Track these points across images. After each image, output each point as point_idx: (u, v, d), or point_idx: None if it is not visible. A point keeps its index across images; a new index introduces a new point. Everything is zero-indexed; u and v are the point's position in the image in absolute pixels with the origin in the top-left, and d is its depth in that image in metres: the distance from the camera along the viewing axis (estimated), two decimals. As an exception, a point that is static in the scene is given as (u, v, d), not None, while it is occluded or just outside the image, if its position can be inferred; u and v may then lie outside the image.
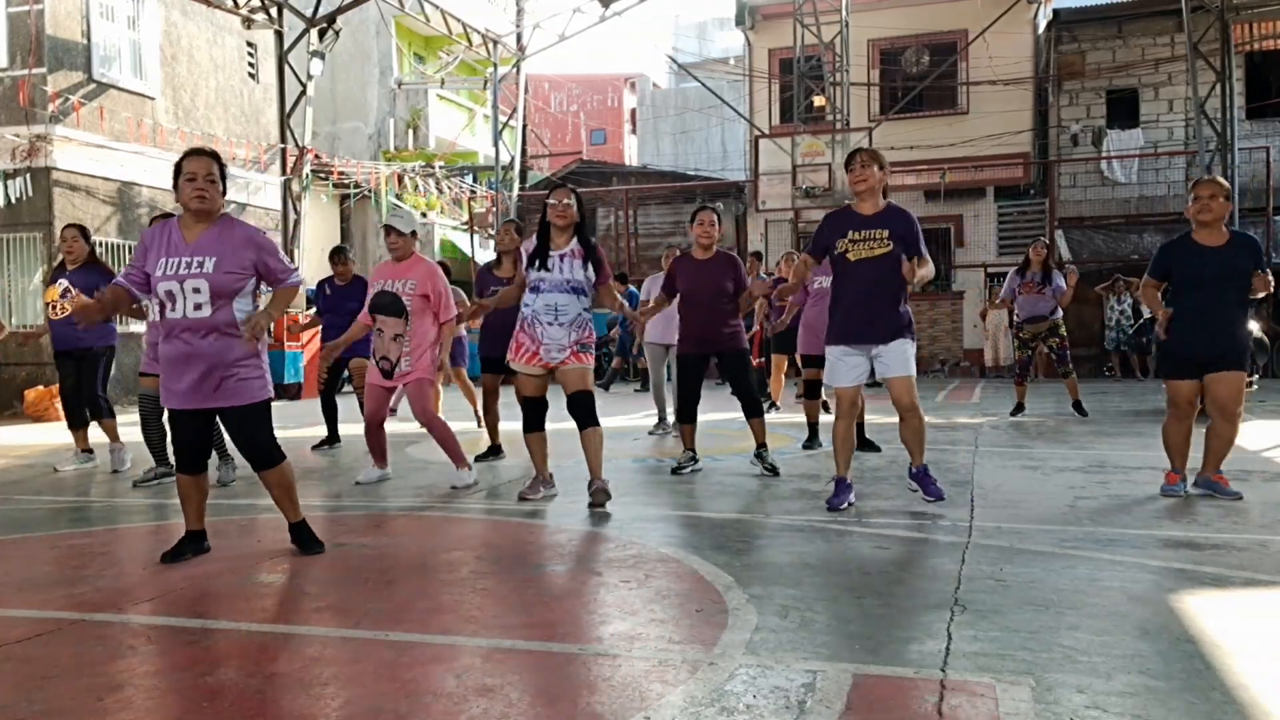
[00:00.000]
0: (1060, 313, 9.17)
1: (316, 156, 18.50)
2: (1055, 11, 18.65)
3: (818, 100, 19.18)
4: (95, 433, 7.08)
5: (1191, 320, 4.84)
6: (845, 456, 4.82)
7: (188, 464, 3.96)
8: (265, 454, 3.95)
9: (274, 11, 15.87)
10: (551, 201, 5.05)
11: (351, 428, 8.40)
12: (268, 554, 4.07)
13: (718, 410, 9.26)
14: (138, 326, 7.53)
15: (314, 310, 9.39)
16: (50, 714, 2.38)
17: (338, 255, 7.89)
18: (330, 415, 7.85)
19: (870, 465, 6.31)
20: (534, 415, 5.12)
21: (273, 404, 4.05)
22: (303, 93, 16.40)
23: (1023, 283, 9.23)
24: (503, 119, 21.32)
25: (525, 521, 4.70)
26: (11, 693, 2.52)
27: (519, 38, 21.39)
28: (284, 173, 16.07)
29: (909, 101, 18.68)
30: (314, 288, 8.43)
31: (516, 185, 21.24)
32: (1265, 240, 15.86)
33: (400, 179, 20.80)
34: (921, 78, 18.82)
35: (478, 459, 6.89)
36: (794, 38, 18.45)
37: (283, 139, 16.23)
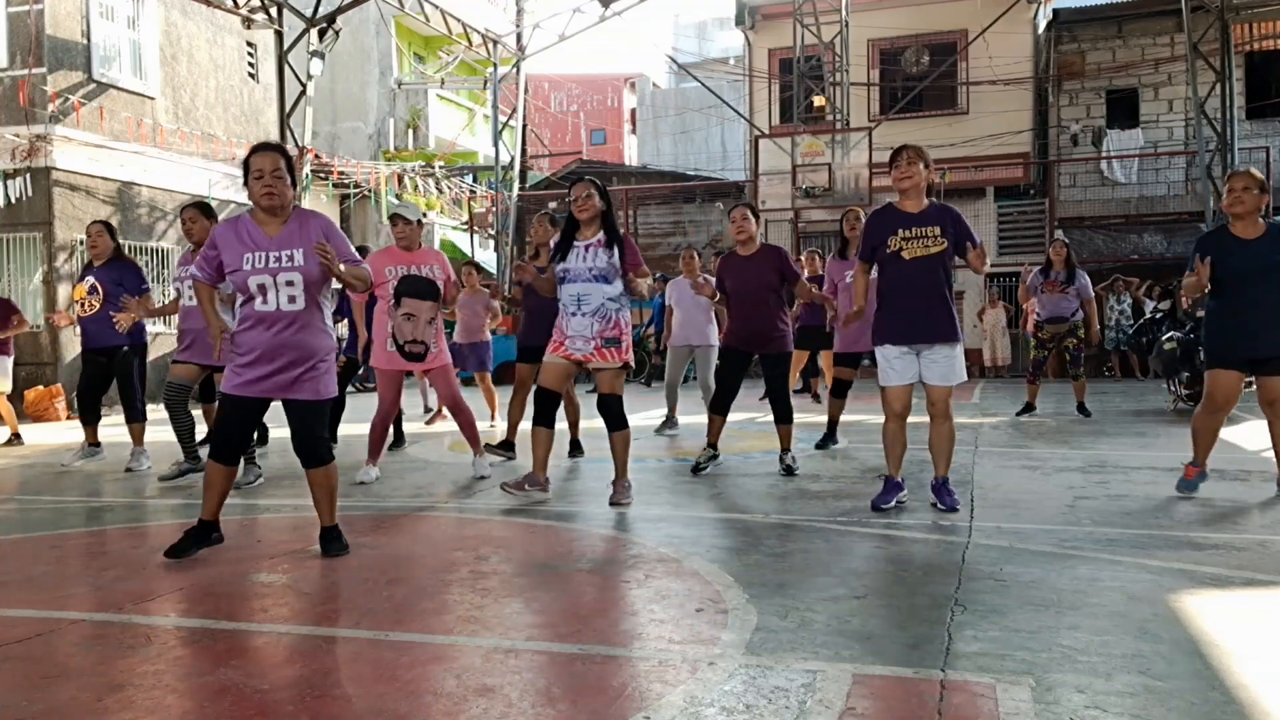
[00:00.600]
0: (1081, 314, 9.10)
1: (316, 156, 18.51)
2: (1055, 11, 18.66)
3: (817, 100, 19.18)
4: (105, 432, 7.08)
5: (1232, 316, 4.74)
6: (896, 456, 4.76)
7: (224, 454, 3.94)
8: (320, 452, 3.96)
9: (274, 11, 15.87)
10: (574, 197, 5.05)
11: (349, 428, 8.40)
12: (268, 554, 4.07)
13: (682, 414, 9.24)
14: (156, 324, 7.53)
15: None
16: (50, 714, 2.38)
17: (361, 253, 7.88)
18: (334, 413, 7.84)
19: (871, 465, 6.31)
20: (545, 408, 5.05)
21: (272, 404, 4.05)
22: (302, 92, 16.40)
23: (1046, 282, 9.17)
24: (502, 119, 21.32)
25: (526, 522, 4.70)
26: (11, 693, 2.52)
27: (519, 38, 21.38)
28: (284, 172, 16.05)
29: (909, 101, 18.68)
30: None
31: (516, 185, 21.24)
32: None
33: (400, 179, 20.81)
34: (921, 78, 18.83)
35: (488, 448, 6.86)
36: (794, 38, 18.45)
37: (282, 139, 16.22)
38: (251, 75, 16.18)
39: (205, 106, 15.09)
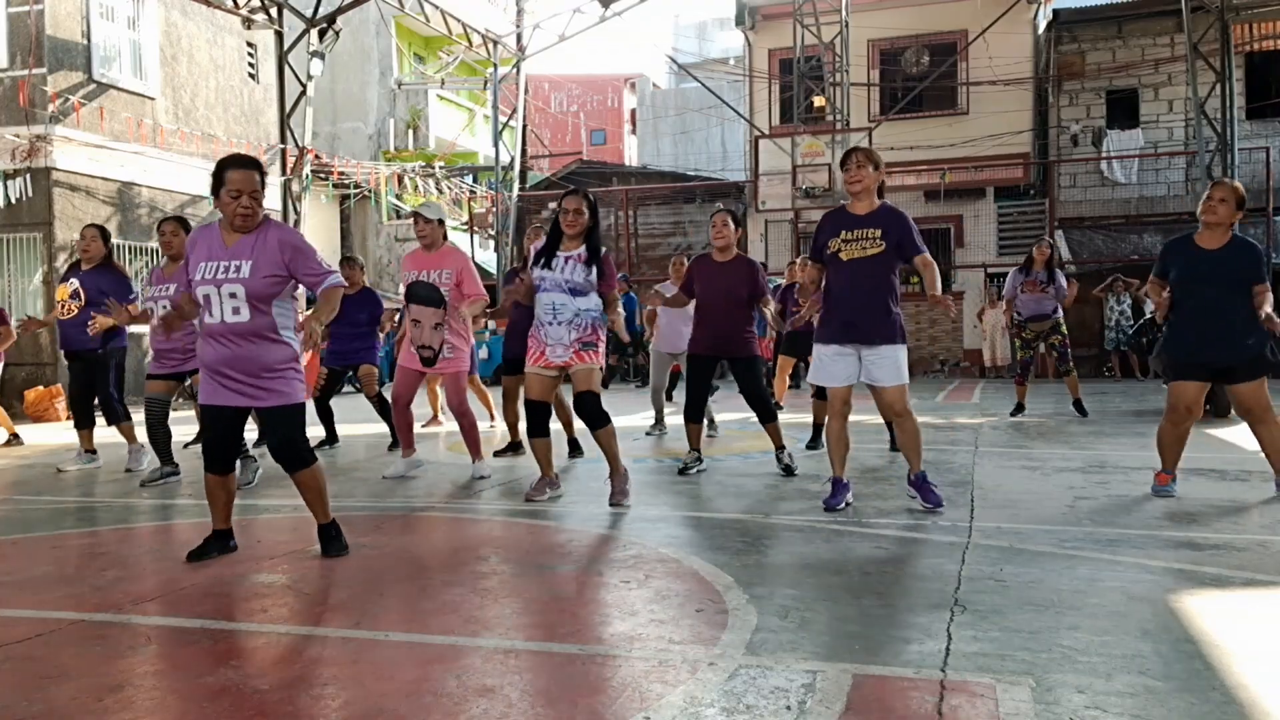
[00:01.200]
0: (1061, 312, 9.19)
1: (316, 157, 18.51)
2: (1055, 12, 18.65)
3: (818, 100, 19.18)
4: (101, 434, 7.08)
5: (1190, 323, 4.82)
6: (841, 456, 4.82)
7: (217, 464, 3.95)
8: (299, 455, 3.94)
9: (274, 12, 15.88)
10: (564, 209, 5.07)
11: (348, 428, 8.40)
12: (268, 554, 4.07)
13: (719, 412, 9.25)
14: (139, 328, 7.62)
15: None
16: (50, 714, 2.38)
17: (347, 264, 7.90)
18: (326, 418, 7.86)
19: (870, 465, 6.31)
20: (538, 420, 5.13)
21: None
22: (303, 93, 16.41)
23: (1025, 281, 9.24)
24: (502, 119, 21.32)
25: (526, 522, 4.70)
26: (11, 693, 2.52)
27: (519, 38, 21.39)
28: (284, 173, 16.07)
29: (909, 102, 18.68)
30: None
31: (516, 185, 21.24)
32: (1265, 240, 15.88)
33: (400, 179, 20.81)
34: (921, 78, 18.83)
35: (496, 454, 6.96)
36: (794, 38, 18.45)
37: (283, 139, 16.23)
38: (252, 75, 16.19)
39: (205, 107, 15.09)
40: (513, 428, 7.12)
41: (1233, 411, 8.73)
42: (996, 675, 2.48)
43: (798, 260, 10.45)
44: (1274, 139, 17.14)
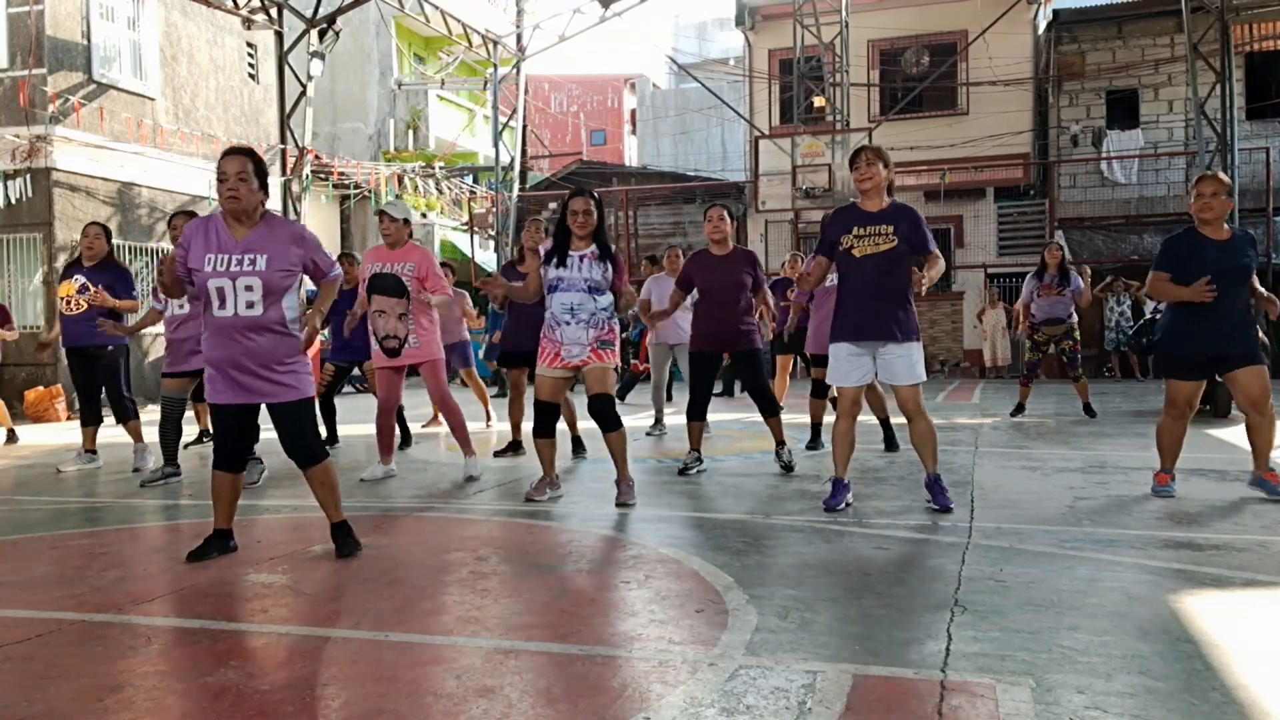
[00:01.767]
0: (1076, 316, 9.16)
1: (316, 157, 18.51)
2: (1055, 12, 18.66)
3: (818, 101, 19.18)
4: (101, 435, 7.08)
5: (1196, 316, 4.80)
6: (844, 456, 4.81)
7: (227, 461, 3.95)
8: (310, 451, 3.94)
9: (274, 12, 15.88)
10: (572, 210, 5.05)
11: (349, 429, 8.40)
12: (268, 554, 4.07)
13: (719, 411, 9.25)
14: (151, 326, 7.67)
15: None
16: (50, 714, 2.38)
17: (346, 260, 7.90)
18: (329, 416, 7.86)
19: (870, 466, 6.31)
20: (545, 420, 5.12)
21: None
22: (303, 93, 16.41)
23: (1041, 285, 9.22)
24: (503, 120, 21.32)
25: (526, 522, 4.70)
26: (11, 693, 2.52)
27: (519, 38, 21.39)
28: (284, 173, 16.08)
29: (909, 102, 18.68)
30: (315, 288, 8.43)
31: (516, 186, 21.24)
32: (1266, 240, 15.87)
33: (400, 179, 20.81)
34: (921, 78, 18.83)
35: (496, 455, 6.96)
36: (794, 38, 18.45)
37: (283, 139, 16.24)
38: (252, 76, 16.19)
39: (205, 107, 15.09)
40: (515, 427, 7.10)
41: (1234, 410, 8.73)
42: (996, 675, 2.48)
43: (795, 254, 10.42)
44: (1274, 139, 17.14)
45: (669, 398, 8.74)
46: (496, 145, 21.11)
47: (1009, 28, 17.92)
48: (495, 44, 20.76)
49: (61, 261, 12.46)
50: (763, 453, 6.84)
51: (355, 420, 9.56)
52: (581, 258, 5.03)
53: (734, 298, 5.99)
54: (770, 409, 6.03)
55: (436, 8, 19.12)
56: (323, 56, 16.38)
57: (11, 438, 8.78)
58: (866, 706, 2.32)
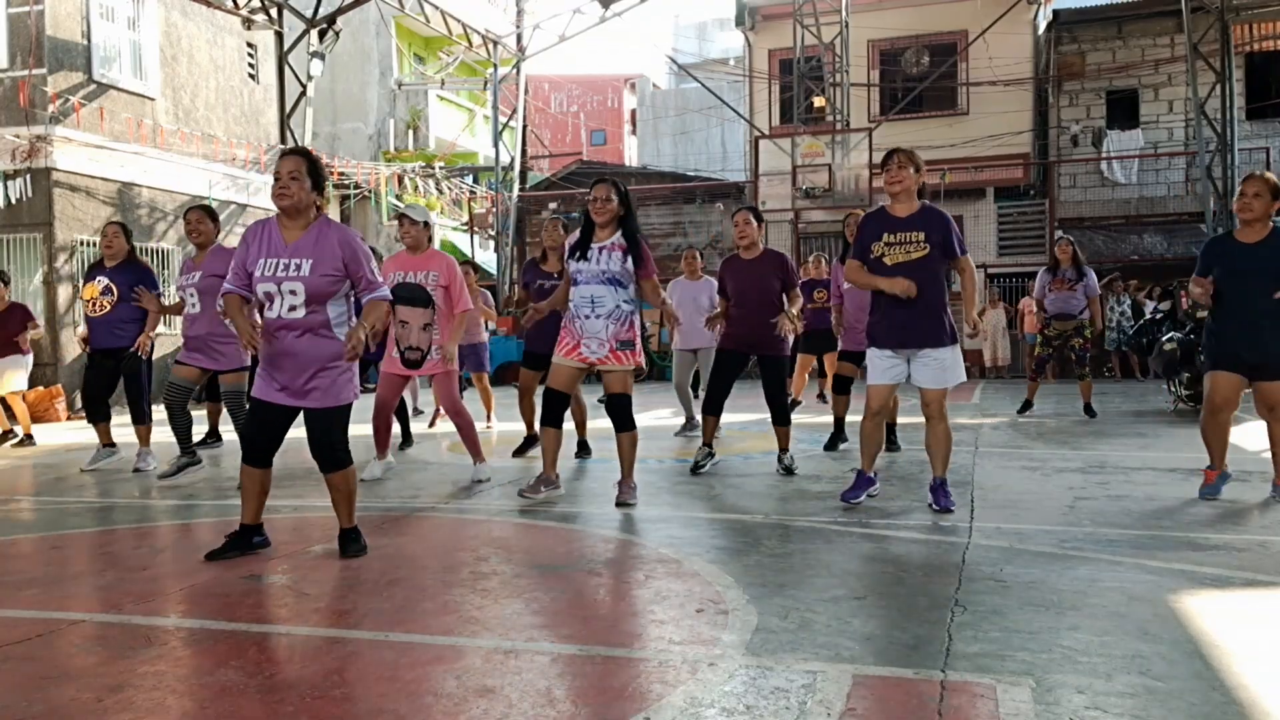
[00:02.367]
0: (1088, 313, 9.12)
1: (317, 157, 18.49)
2: (1055, 12, 18.67)
3: (818, 101, 19.19)
4: (115, 433, 7.08)
5: (1231, 318, 4.76)
6: (871, 453, 4.83)
7: (256, 457, 3.95)
8: (335, 456, 3.93)
9: (274, 12, 15.88)
10: (592, 197, 5.01)
11: (352, 429, 8.37)
12: (268, 555, 4.07)
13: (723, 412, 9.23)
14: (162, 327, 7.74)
15: None
16: (50, 714, 2.38)
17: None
18: None
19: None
20: (554, 409, 5.06)
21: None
22: (303, 93, 16.41)
23: (1054, 280, 9.20)
24: (503, 120, 21.32)
25: (526, 522, 4.70)
26: (11, 693, 2.52)
27: (519, 38, 21.39)
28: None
29: (909, 102, 18.69)
30: None
31: (516, 186, 21.24)
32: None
33: (400, 179, 20.81)
34: (921, 78, 18.83)
35: (514, 454, 6.93)
36: (794, 38, 18.46)
37: (283, 139, 16.24)
38: (252, 76, 16.19)
39: (205, 107, 15.09)
40: (529, 424, 7.02)
41: (1234, 412, 8.72)
42: (997, 676, 2.48)
43: (810, 259, 10.44)
44: (1274, 139, 17.15)
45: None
46: (496, 145, 21.11)
47: (1009, 28, 17.93)
48: (495, 44, 20.76)
49: (61, 262, 12.46)
50: (764, 453, 6.83)
51: (358, 421, 9.54)
52: (602, 249, 4.98)
53: (765, 301, 5.96)
54: (782, 418, 6.02)
55: (436, 8, 19.12)
56: (323, 56, 16.39)
57: (28, 440, 8.80)
58: (866, 706, 2.32)
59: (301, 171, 3.80)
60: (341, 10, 16.46)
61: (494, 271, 20.38)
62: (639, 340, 5.08)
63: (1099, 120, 18.35)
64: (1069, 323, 9.12)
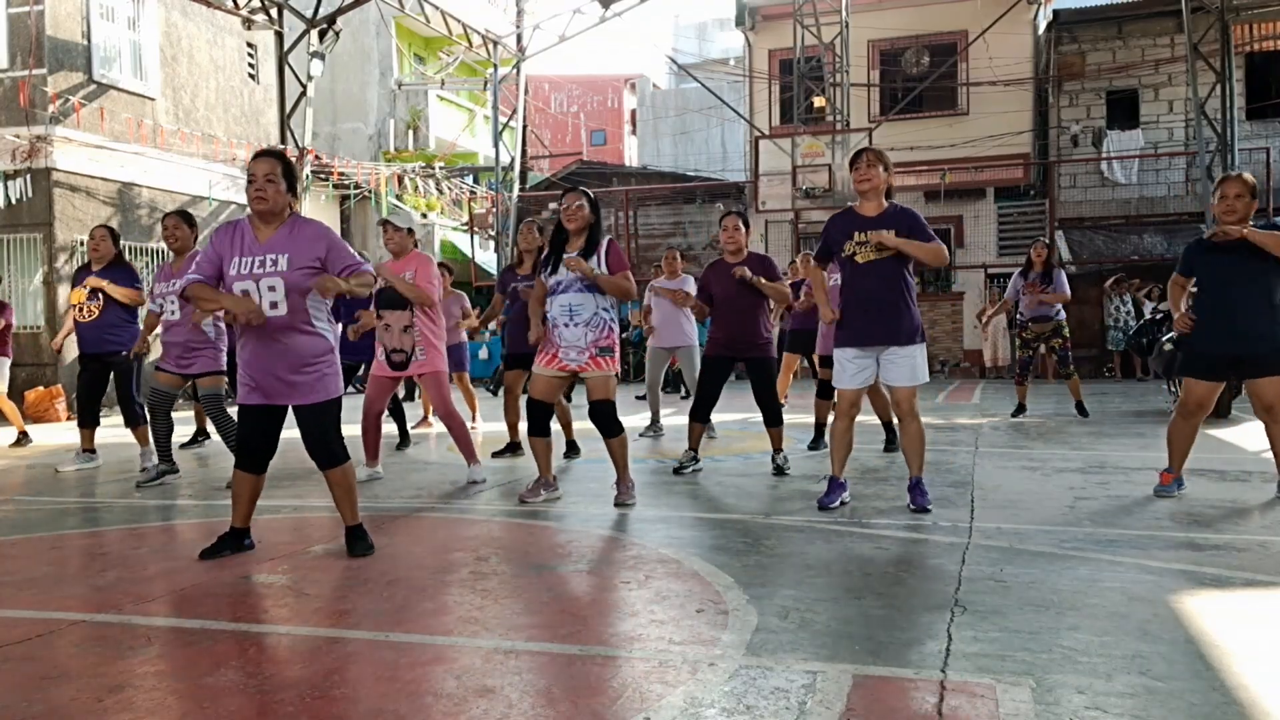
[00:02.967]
0: (1064, 314, 9.16)
1: (317, 157, 18.51)
2: (1055, 12, 18.65)
3: (818, 101, 19.19)
4: (100, 435, 7.07)
5: (1211, 318, 4.80)
6: (842, 456, 4.83)
7: (249, 462, 3.97)
8: (330, 453, 3.95)
9: (274, 12, 15.88)
10: (564, 205, 5.06)
11: (348, 429, 8.37)
12: (268, 555, 4.07)
13: (718, 412, 9.24)
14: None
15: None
16: (50, 714, 2.38)
17: None
18: None
19: (871, 466, 6.32)
20: (539, 419, 5.11)
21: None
22: (303, 93, 16.41)
23: (1026, 284, 9.23)
24: (503, 120, 21.32)
25: (526, 522, 4.70)
26: (11, 693, 2.52)
27: (519, 39, 21.39)
28: (285, 173, 16.06)
29: (909, 102, 18.68)
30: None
31: (516, 186, 21.24)
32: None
33: (400, 180, 20.81)
34: (921, 78, 18.83)
35: (494, 455, 6.99)
36: (794, 38, 18.45)
37: (283, 140, 16.24)
38: (252, 76, 16.19)
39: (205, 107, 15.09)
40: (512, 428, 7.13)
41: (1234, 411, 8.73)
42: (997, 676, 2.48)
43: (805, 254, 10.43)
44: (1274, 139, 17.14)
45: (686, 393, 8.68)
46: (496, 145, 21.11)
47: (1009, 28, 17.92)
48: (495, 44, 20.76)
49: (62, 262, 12.46)
50: (762, 453, 6.84)
51: (357, 421, 9.55)
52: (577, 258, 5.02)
53: (748, 304, 5.99)
54: (774, 419, 6.04)
55: (436, 8, 19.12)
56: (323, 57, 16.38)
57: (24, 440, 8.80)
58: (866, 706, 2.32)
59: (277, 174, 3.82)
60: (341, 10, 16.46)
61: (494, 272, 20.37)
62: (617, 347, 5.12)
63: (1099, 120, 18.34)
64: (1045, 325, 9.16)
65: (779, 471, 5.97)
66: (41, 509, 5.45)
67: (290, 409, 3.94)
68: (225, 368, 6.18)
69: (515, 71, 21.23)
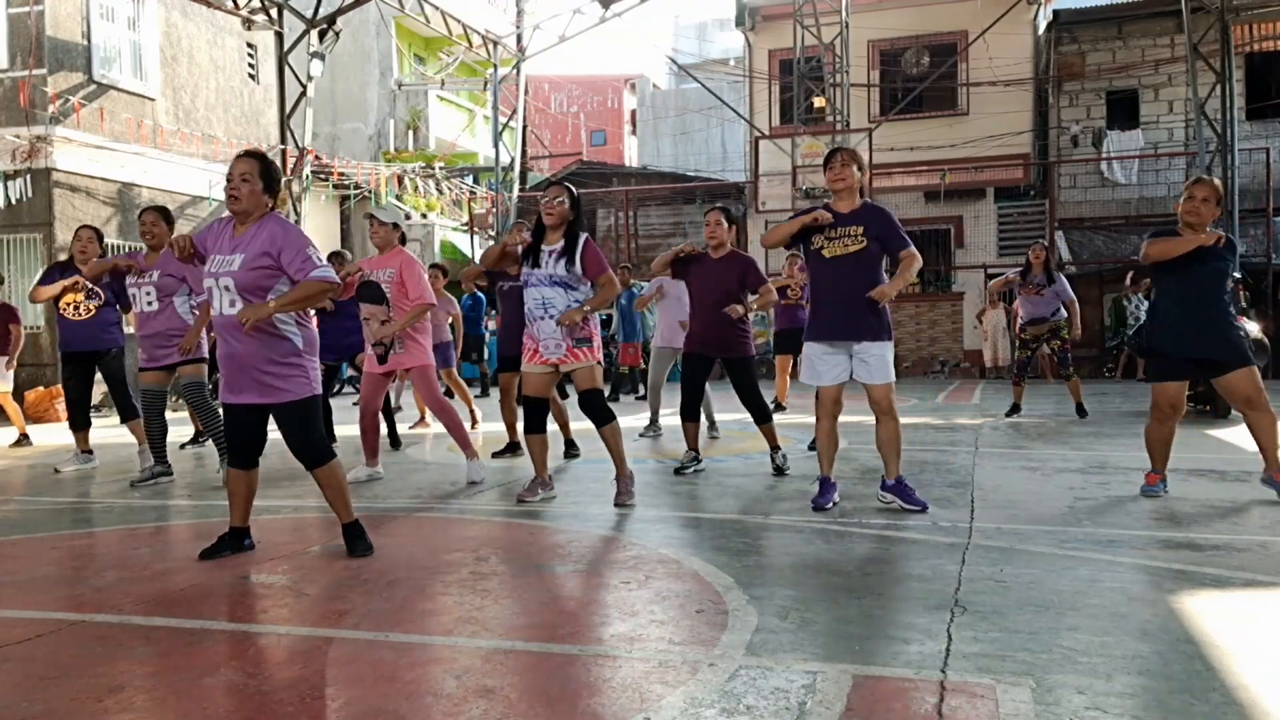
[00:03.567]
0: (1062, 314, 9.16)
1: (316, 157, 18.50)
2: (1055, 12, 18.66)
3: (818, 101, 19.19)
4: (97, 436, 7.08)
5: (1173, 317, 4.86)
6: (830, 455, 4.85)
7: (239, 458, 3.98)
8: (314, 452, 3.94)
9: (274, 12, 15.87)
10: (543, 198, 5.09)
11: (346, 429, 8.36)
12: (267, 555, 4.07)
13: (718, 412, 9.24)
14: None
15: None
16: (50, 714, 2.38)
17: (335, 259, 7.90)
18: (325, 416, 7.86)
19: (870, 465, 6.31)
20: (535, 416, 5.13)
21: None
22: (303, 94, 16.41)
23: (1023, 285, 9.24)
24: (503, 120, 21.32)
25: (525, 522, 4.70)
26: (11, 693, 2.52)
27: (519, 39, 21.39)
28: (284, 174, 16.08)
29: (909, 102, 18.68)
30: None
31: (516, 186, 21.24)
32: (1266, 241, 15.87)
33: (400, 180, 20.80)
34: (921, 78, 18.83)
35: (494, 455, 6.99)
36: (794, 38, 18.46)
37: (283, 140, 16.24)
38: (252, 76, 16.19)
39: (205, 107, 15.09)
40: (510, 427, 7.13)
41: (1233, 411, 8.73)
42: (997, 676, 2.48)
43: (793, 254, 10.43)
44: (1274, 139, 17.14)
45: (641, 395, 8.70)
46: (496, 145, 21.11)
47: (1009, 28, 17.92)
48: (495, 44, 20.76)
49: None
50: (762, 453, 6.83)
51: (346, 421, 9.55)
52: (551, 252, 5.03)
53: (724, 302, 5.97)
54: (762, 416, 6.05)
55: (436, 8, 19.12)
56: (323, 57, 16.37)
57: (24, 441, 8.80)
58: (866, 707, 2.32)
59: (253, 174, 3.82)
60: (341, 10, 16.45)
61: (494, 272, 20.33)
62: (597, 337, 5.12)
63: (1099, 120, 18.34)
64: (1043, 326, 9.19)
65: (779, 471, 5.97)
66: (41, 509, 5.45)
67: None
68: (206, 355, 6.18)
69: (515, 72, 21.23)
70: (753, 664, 2.60)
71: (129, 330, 6.96)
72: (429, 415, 9.57)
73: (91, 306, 6.64)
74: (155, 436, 6.20)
